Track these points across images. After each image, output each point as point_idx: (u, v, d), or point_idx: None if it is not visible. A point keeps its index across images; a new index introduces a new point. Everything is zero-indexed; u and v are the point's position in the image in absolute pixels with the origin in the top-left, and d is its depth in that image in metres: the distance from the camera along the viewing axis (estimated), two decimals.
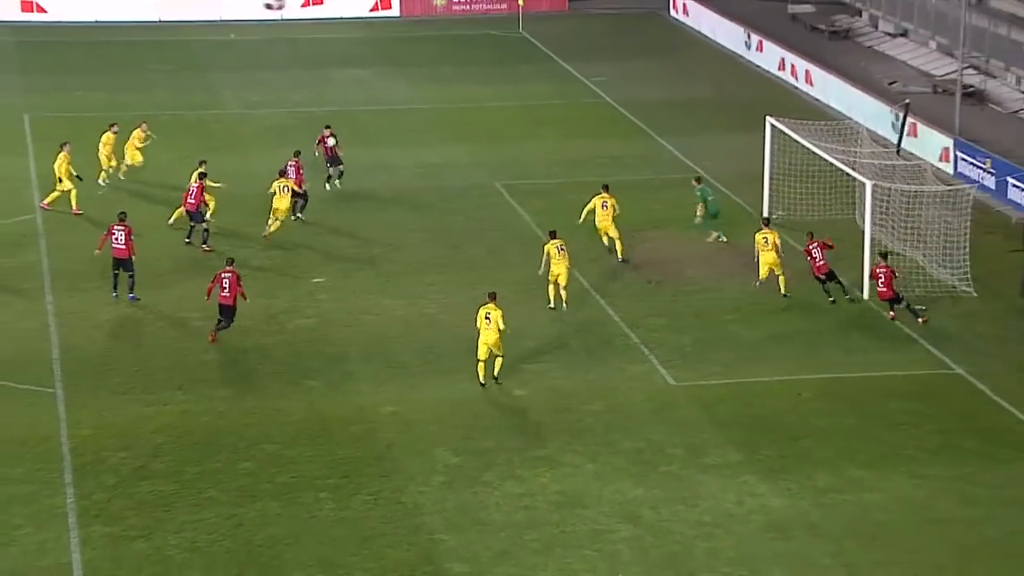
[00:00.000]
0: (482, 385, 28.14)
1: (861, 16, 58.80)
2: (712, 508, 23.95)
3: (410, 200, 38.36)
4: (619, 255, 34.42)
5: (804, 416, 27.13)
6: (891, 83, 51.04)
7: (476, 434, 26.52)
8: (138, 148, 39.26)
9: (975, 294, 32.70)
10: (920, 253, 34.14)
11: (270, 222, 35.41)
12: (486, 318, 28.17)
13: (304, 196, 37.06)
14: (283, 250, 35.28)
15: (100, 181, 38.80)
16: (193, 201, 35.09)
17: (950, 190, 34.45)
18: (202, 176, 35.75)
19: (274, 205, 35.51)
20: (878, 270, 31.59)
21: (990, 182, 39.92)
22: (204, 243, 35.24)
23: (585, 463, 25.48)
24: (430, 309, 32.21)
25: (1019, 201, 38.68)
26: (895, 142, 41.73)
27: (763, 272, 32.55)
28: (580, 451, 25.87)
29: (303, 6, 60.35)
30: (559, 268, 31.62)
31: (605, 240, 34.84)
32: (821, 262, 32.04)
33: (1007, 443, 26.09)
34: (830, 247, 32.40)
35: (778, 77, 52.64)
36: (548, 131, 46.16)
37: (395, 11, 61.61)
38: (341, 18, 60.54)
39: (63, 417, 26.93)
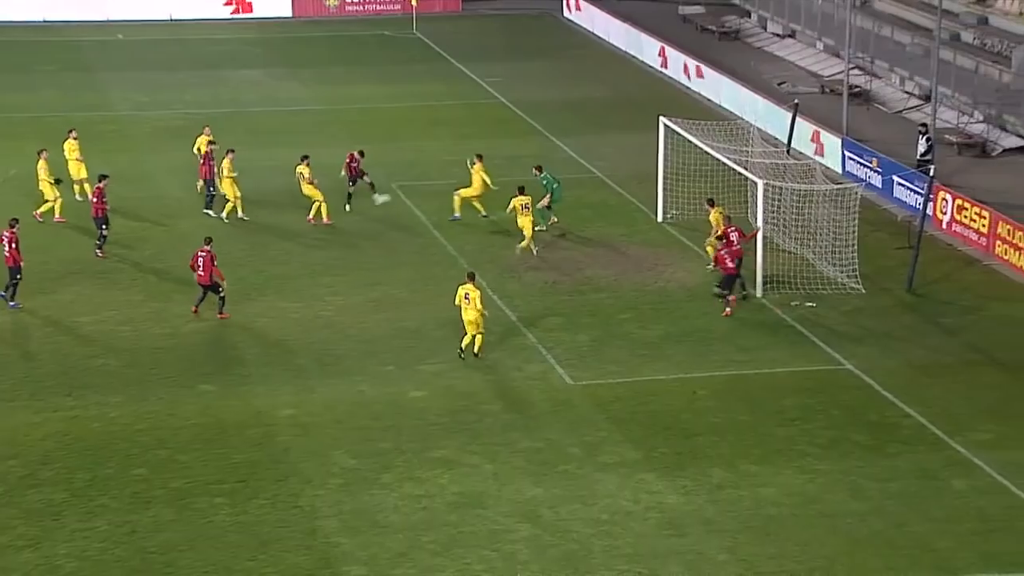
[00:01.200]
0: (460, 354, 28.99)
1: (750, 17, 59.55)
2: (609, 506, 24.05)
3: (305, 201, 38.02)
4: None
5: (699, 413, 27.35)
6: (780, 83, 51.75)
7: (374, 436, 26.36)
8: (79, 160, 37.94)
9: (863, 291, 33.23)
10: (810, 251, 34.60)
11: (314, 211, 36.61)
12: (465, 297, 28.82)
13: (212, 190, 36.88)
14: (174, 252, 34.82)
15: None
16: (99, 206, 34.49)
17: (838, 189, 34.98)
18: (101, 178, 35.18)
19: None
20: (726, 249, 32.24)
21: (877, 181, 40.64)
22: (99, 249, 34.70)
23: (484, 463, 25.46)
24: (327, 311, 32.02)
25: (905, 199, 39.42)
26: (785, 141, 42.28)
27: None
28: (478, 451, 25.84)
29: (226, 4, 59.60)
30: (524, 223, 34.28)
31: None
32: (737, 246, 32.31)
33: (894, 437, 26.55)
34: (744, 237, 32.76)
35: (671, 77, 53.11)
36: (443, 131, 46.10)
37: (288, 11, 61.14)
38: (232, 18, 59.89)
39: None
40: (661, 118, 38.37)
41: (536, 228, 35.57)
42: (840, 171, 42.28)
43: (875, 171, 40.88)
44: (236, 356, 29.70)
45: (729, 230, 32.62)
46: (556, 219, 36.60)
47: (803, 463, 25.46)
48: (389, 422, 26.92)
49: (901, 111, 48.45)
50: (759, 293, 33.02)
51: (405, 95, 50.65)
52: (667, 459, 25.57)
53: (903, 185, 39.48)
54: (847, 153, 42.34)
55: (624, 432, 26.58)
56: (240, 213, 37.22)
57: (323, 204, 37.32)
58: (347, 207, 37.18)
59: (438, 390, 28.23)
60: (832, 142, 43.11)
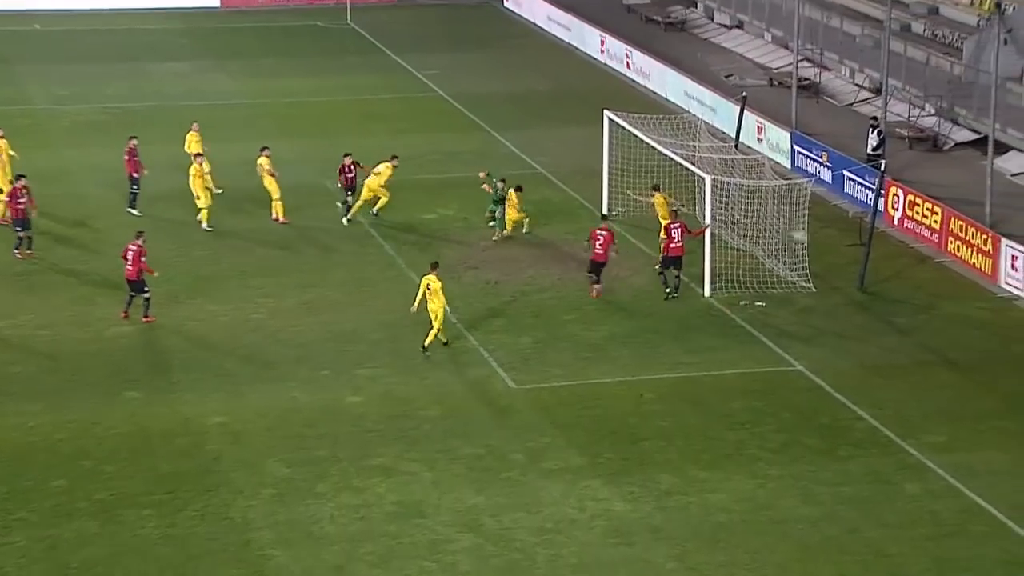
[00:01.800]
0: (445, 343, 29.65)
1: (696, 7, 59.88)
2: (554, 514, 24.10)
3: (234, 199, 37.83)
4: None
5: (646, 417, 27.47)
6: (727, 75, 52.07)
7: (308, 444, 26.27)
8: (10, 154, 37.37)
9: (814, 289, 33.49)
10: (760, 248, 34.83)
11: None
12: (427, 288, 29.37)
13: (136, 188, 36.66)
14: (96, 253, 34.50)
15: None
16: (19, 207, 34.09)
17: (787, 184, 35.24)
18: (18, 178, 34.79)
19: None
20: (598, 232, 32.54)
21: (827, 176, 40.99)
22: (16, 248, 34.34)
23: (423, 471, 25.43)
24: (258, 314, 31.89)
25: (855, 195, 39.78)
26: (734, 135, 42.56)
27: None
28: (418, 459, 25.82)
29: None
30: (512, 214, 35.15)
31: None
32: (678, 243, 32.44)
33: (846, 440, 26.79)
34: (691, 233, 32.89)
35: (614, 69, 53.29)
36: (379, 126, 45.99)
37: (215, 0, 60.76)
38: (157, 8, 59.42)
39: None
40: (605, 111, 38.49)
41: (492, 227, 35.92)
42: (789, 166, 42.60)
43: (825, 166, 41.24)
44: (163, 361, 29.48)
45: (672, 226, 32.78)
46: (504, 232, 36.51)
47: (753, 468, 25.63)
48: (324, 429, 26.83)
49: (851, 104, 48.90)
50: (707, 292, 33.20)
51: (338, 88, 50.49)
52: (613, 465, 25.66)
53: (854, 180, 39.85)
54: (796, 147, 42.67)
55: (569, 437, 26.64)
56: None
57: (279, 202, 37.08)
58: (345, 220, 36.30)
59: (375, 395, 28.16)
60: (781, 136, 43.43)
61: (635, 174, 38.29)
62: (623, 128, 37.92)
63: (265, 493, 24.63)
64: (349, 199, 36.58)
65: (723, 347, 30.57)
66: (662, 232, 33.68)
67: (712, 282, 33.27)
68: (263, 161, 37.20)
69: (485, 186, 36.21)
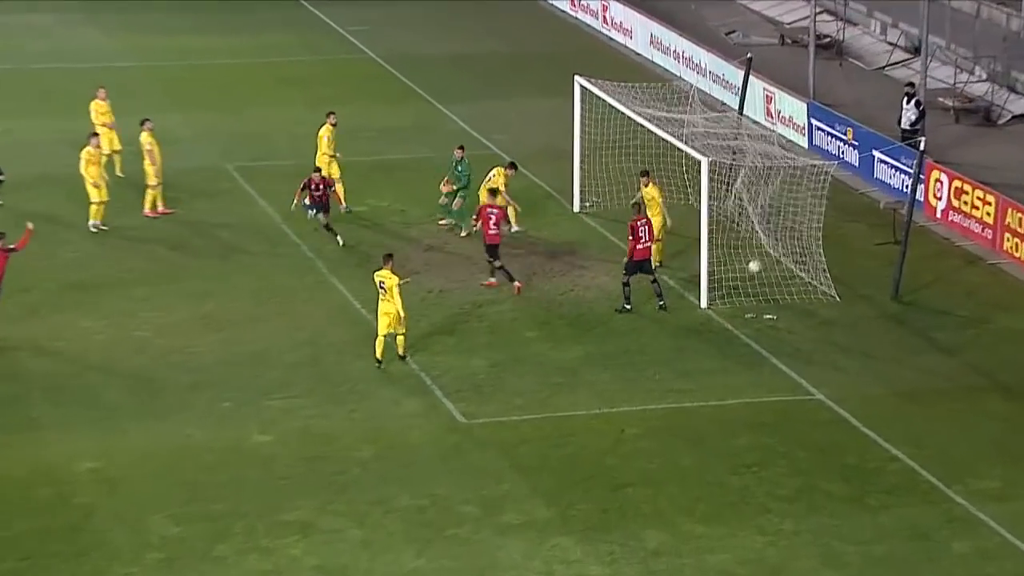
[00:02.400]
0: (378, 363, 30.04)
1: None
2: None
3: (112, 186, 37.65)
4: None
5: (629, 458, 27.48)
6: (729, 32, 52.25)
7: (205, 494, 26.15)
8: None
9: (837, 298, 33.62)
10: (770, 247, 34.93)
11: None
12: (380, 286, 30.02)
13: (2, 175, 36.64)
14: None
15: None
16: None
17: (804, 168, 35.37)
18: None
19: None
20: (489, 210, 33.20)
21: (852, 157, 41.17)
22: None
23: (350, 527, 25.37)
24: (143, 331, 31.82)
25: (888, 181, 39.98)
26: (735, 107, 42.68)
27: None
28: (343, 512, 25.75)
29: None
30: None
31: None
32: (646, 243, 32.66)
33: (877, 486, 26.85)
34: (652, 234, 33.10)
35: (588, 25, 53.40)
36: (295, 95, 45.94)
37: None
38: None
39: None
40: (577, 78, 38.54)
41: (446, 222, 36.37)
42: (805, 144, 42.77)
43: (850, 144, 41.42)
44: (20, 393, 29.30)
45: (639, 222, 32.84)
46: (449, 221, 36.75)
47: (762, 521, 25.68)
48: (225, 475, 26.72)
49: (883, 67, 49.17)
50: (704, 303, 33.29)
51: (245, 48, 50.38)
52: (588, 518, 25.66)
53: (886, 162, 40.05)
54: (814, 121, 42.87)
55: (533, 484, 26.62)
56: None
57: (156, 190, 37.02)
58: (339, 240, 35.76)
59: (290, 432, 28.09)
60: (795, 107, 43.60)
61: (614, 155, 38.31)
62: (598, 99, 37.94)
63: (150, 558, 24.49)
64: (323, 217, 35.54)
65: (724, 370, 30.64)
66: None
67: (710, 290, 33.31)
68: (147, 138, 37.06)
69: (444, 187, 36.23)
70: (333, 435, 28.06)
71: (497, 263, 33.68)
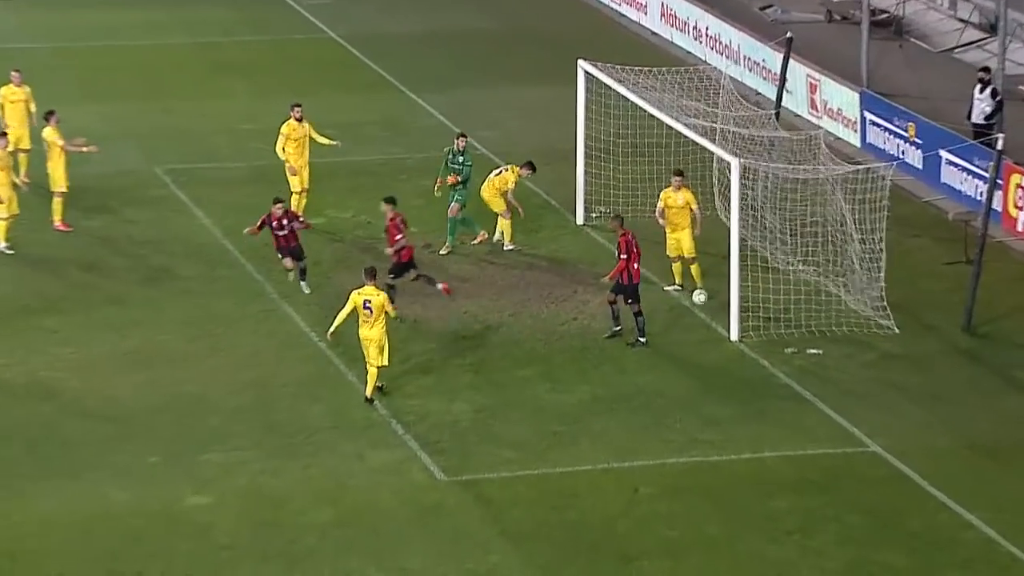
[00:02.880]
0: (368, 400, 30.39)
1: None
2: None
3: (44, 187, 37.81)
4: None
5: (644, 523, 27.42)
6: (764, 7, 52.32)
7: (128, 567, 25.99)
8: None
9: (896, 329, 33.61)
10: (813, 269, 34.92)
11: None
12: (365, 307, 30.12)
13: None
14: None
15: None
16: None
17: (855, 171, 35.36)
18: None
19: None
20: (393, 223, 33.41)
21: (915, 157, 41.16)
22: None
23: None
24: (52, 370, 31.81)
25: (958, 187, 39.97)
26: (772, 97, 42.70)
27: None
28: None
29: None
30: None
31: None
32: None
33: (948, 558, 26.77)
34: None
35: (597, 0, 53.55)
36: (239, 84, 45.96)
37: None
38: None
39: None
40: (580, 62, 38.54)
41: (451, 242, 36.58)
42: (858, 143, 42.78)
43: (912, 143, 41.43)
44: None
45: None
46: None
47: None
48: (153, 546, 26.61)
49: (952, 49, 49.21)
50: (735, 335, 33.28)
51: (175, 26, 50.41)
52: None
53: (956, 164, 40.06)
54: (868, 115, 42.88)
55: (527, 555, 26.57)
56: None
57: (61, 199, 37.03)
58: (303, 287, 35.00)
59: (232, 493, 28.02)
60: (845, 98, 43.61)
61: (625, 157, 38.29)
62: (607, 87, 37.94)
63: None
64: (289, 263, 34.62)
65: (760, 416, 30.61)
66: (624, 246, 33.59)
67: (743, 319, 33.32)
68: (50, 133, 37.01)
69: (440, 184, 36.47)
70: (285, 496, 27.95)
71: (411, 275, 33.60)
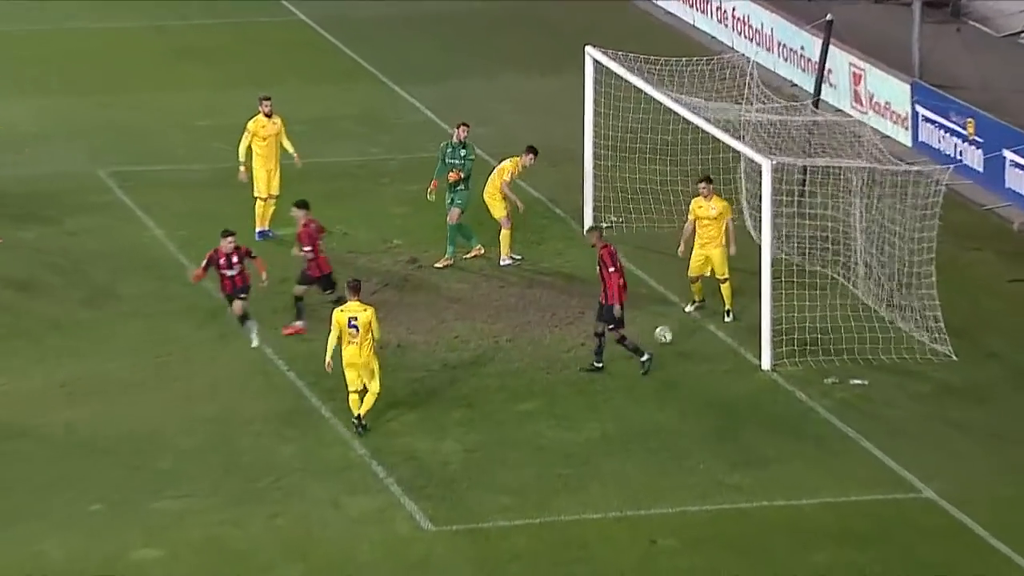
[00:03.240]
0: (357, 428, 30.60)
1: None
2: None
3: None
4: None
5: None
6: None
7: None
8: None
9: (954, 356, 33.62)
10: (856, 286, 35.01)
11: None
12: (351, 325, 30.09)
13: None
14: None
15: None
16: None
17: (906, 173, 35.36)
18: None
19: None
20: (306, 230, 33.80)
21: (974, 158, 41.17)
22: None
23: None
24: None
25: (1022, 191, 40.03)
26: (810, 89, 42.74)
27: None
28: None
29: None
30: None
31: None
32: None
33: None
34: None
35: None
36: (196, 74, 45.99)
37: None
38: None
39: None
40: (588, 49, 38.56)
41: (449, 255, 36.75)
42: (908, 142, 42.78)
43: (971, 141, 41.44)
44: None
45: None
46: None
47: None
48: None
49: (1018, 33, 49.20)
50: (766, 363, 33.32)
51: (122, 7, 50.36)
52: None
53: (1022, 167, 40.08)
54: (920, 109, 42.88)
55: None
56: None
57: None
58: (254, 339, 34.56)
59: (186, 546, 27.97)
60: (894, 89, 43.61)
61: (640, 157, 38.27)
62: (618, 78, 37.95)
63: None
64: (237, 307, 33.90)
65: (795, 456, 30.62)
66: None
67: (776, 345, 33.39)
68: None
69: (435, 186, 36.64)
70: (248, 549, 27.91)
71: (300, 291, 33.84)
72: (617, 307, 32.63)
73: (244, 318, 33.76)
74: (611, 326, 32.76)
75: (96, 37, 48.32)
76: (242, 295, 33.54)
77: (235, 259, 33.41)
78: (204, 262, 33.61)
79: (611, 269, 32.62)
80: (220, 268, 33.35)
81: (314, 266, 33.97)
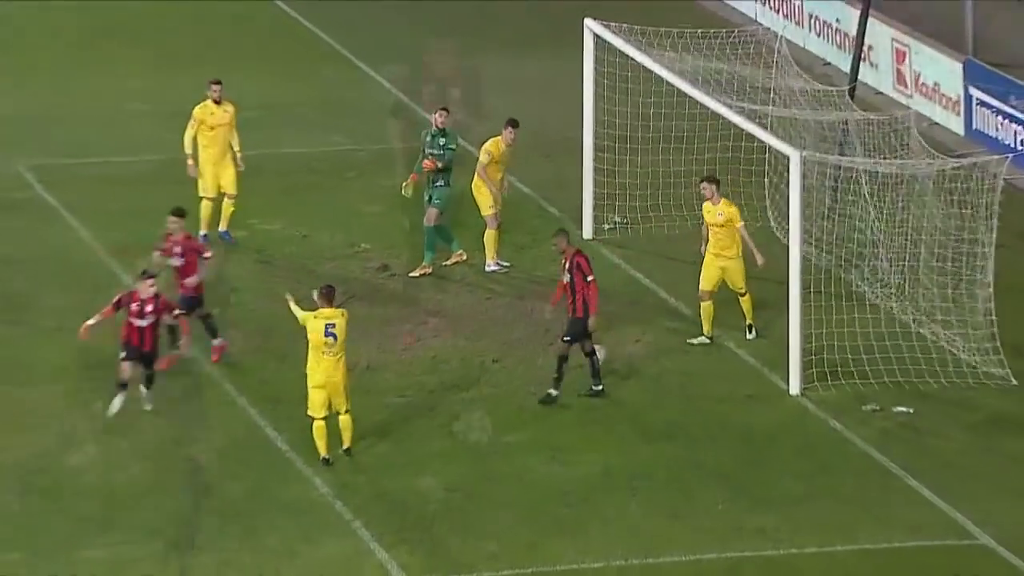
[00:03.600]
0: (325, 461, 30.62)
1: None
2: None
3: None
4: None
5: None
6: None
7: None
8: None
9: (1013, 380, 33.66)
10: (898, 299, 35.09)
11: None
12: (328, 333, 30.33)
13: None
14: None
15: None
16: None
17: (958, 167, 35.35)
18: None
19: None
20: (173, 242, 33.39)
21: None
22: None
23: None
24: None
25: None
26: (848, 71, 42.76)
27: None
28: None
29: None
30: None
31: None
32: (588, 286, 33.02)
33: None
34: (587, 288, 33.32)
35: None
36: (129, 53, 46.30)
37: None
38: None
39: None
40: (587, 22, 38.55)
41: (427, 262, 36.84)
42: (961, 129, 42.80)
43: None
44: None
45: (576, 258, 32.94)
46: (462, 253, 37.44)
47: None
48: None
49: None
50: (795, 387, 33.31)
51: None
52: None
53: None
54: (974, 92, 42.90)
55: None
56: None
57: None
58: (146, 399, 34.34)
59: None
60: (943, 69, 43.61)
61: (650, 148, 38.31)
62: (622, 55, 37.95)
63: None
64: (128, 369, 33.54)
65: (829, 495, 30.65)
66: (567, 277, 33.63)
67: (805, 366, 33.39)
68: None
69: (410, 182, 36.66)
70: None
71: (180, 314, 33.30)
72: (593, 319, 32.75)
73: (133, 385, 32.33)
74: (567, 338, 32.88)
75: (12, 12, 48.32)
76: (146, 362, 32.21)
77: (149, 308, 32.18)
78: (114, 300, 32.43)
79: (590, 277, 32.70)
80: (131, 314, 32.18)
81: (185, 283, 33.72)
